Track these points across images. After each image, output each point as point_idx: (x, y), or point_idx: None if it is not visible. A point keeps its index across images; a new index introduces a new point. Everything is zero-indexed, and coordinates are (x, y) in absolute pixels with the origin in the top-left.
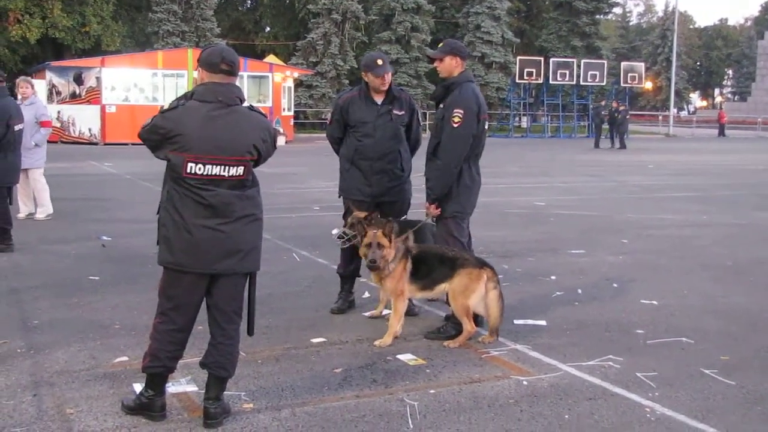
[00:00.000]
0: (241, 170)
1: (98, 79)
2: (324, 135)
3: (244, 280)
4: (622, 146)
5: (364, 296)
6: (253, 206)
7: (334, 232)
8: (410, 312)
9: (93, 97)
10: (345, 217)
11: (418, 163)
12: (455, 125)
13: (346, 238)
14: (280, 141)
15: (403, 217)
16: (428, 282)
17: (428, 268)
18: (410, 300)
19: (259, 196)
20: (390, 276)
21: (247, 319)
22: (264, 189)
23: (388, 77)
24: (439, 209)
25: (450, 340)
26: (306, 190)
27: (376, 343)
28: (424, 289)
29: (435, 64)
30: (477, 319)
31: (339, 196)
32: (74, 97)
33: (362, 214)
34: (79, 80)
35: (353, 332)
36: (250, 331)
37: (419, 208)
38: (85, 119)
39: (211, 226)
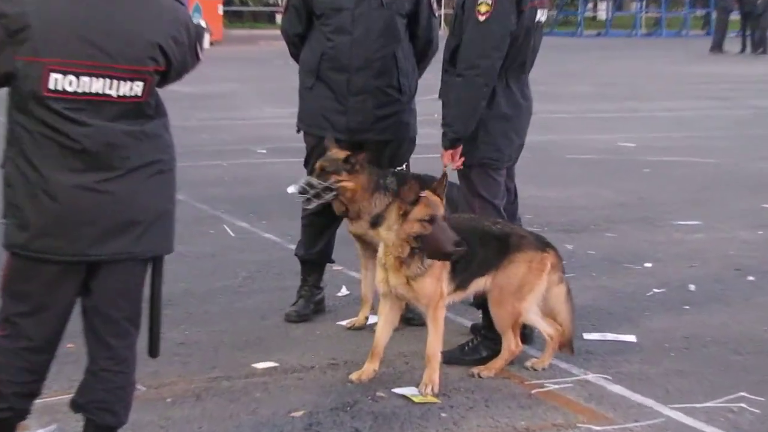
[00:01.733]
0: (138, 88)
1: None
2: (274, 32)
3: (143, 270)
4: (762, 49)
5: (339, 294)
6: (157, 150)
7: (291, 189)
8: (415, 320)
9: None
10: (307, 164)
11: (431, 79)
12: (482, 17)
13: (311, 192)
14: (205, 42)
15: (401, 168)
16: (465, 277)
17: (469, 256)
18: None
19: (168, 134)
20: (427, 273)
21: (148, 331)
22: (176, 121)
23: None
24: (463, 157)
25: (481, 365)
26: (244, 123)
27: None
28: (458, 288)
29: None
30: (523, 333)
31: (298, 131)
32: None
33: (341, 153)
34: None
35: (322, 353)
36: (154, 351)
37: (428, 152)
38: None
39: (87, 184)
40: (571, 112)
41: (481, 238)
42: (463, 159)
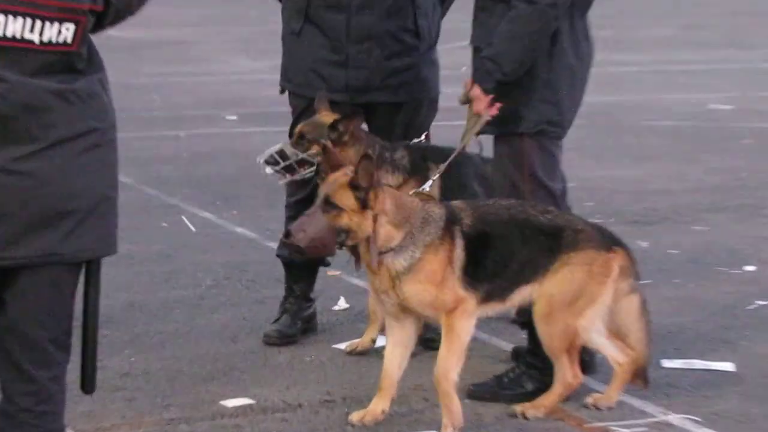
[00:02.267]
0: (67, 32)
1: None
2: None
3: (74, 277)
4: None
5: (336, 307)
6: (91, 115)
7: (261, 159)
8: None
9: None
10: (292, 133)
11: (456, 20)
12: None
13: (282, 165)
14: None
15: (419, 140)
16: (500, 284)
17: (499, 255)
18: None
19: (107, 94)
20: (414, 276)
21: (81, 358)
22: (116, 78)
23: None
24: (495, 105)
25: (526, 402)
26: (209, 80)
27: None
28: (490, 298)
29: None
30: (583, 359)
31: (281, 91)
32: None
33: (329, 117)
34: None
35: (313, 386)
36: (88, 385)
37: (455, 117)
38: None
39: None
40: (646, 64)
41: (523, 233)
42: (495, 108)
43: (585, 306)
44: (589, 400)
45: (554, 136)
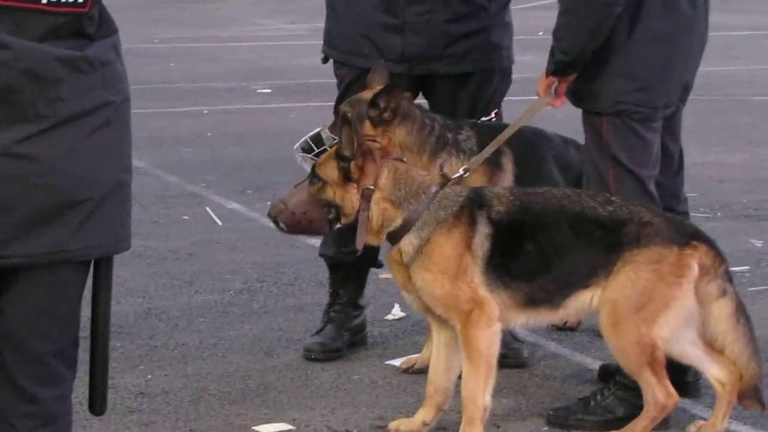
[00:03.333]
0: None
1: None
2: None
3: (82, 278)
4: None
5: (390, 317)
6: (104, 87)
7: (296, 146)
8: (510, 358)
9: None
10: (338, 110)
11: None
12: None
13: (317, 152)
14: None
15: (488, 118)
16: (545, 286)
17: (539, 250)
18: (509, 332)
19: (120, 62)
20: (423, 261)
21: (89, 375)
22: (129, 43)
23: None
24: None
25: (615, 431)
26: (237, 46)
27: None
28: (533, 303)
29: None
30: (682, 377)
31: (325, 60)
32: None
33: (368, 93)
34: None
35: (363, 409)
36: (97, 405)
37: (531, 91)
38: None
39: None
40: (761, 28)
41: (575, 226)
42: (563, 94)
43: (657, 312)
44: (692, 428)
45: (641, 117)
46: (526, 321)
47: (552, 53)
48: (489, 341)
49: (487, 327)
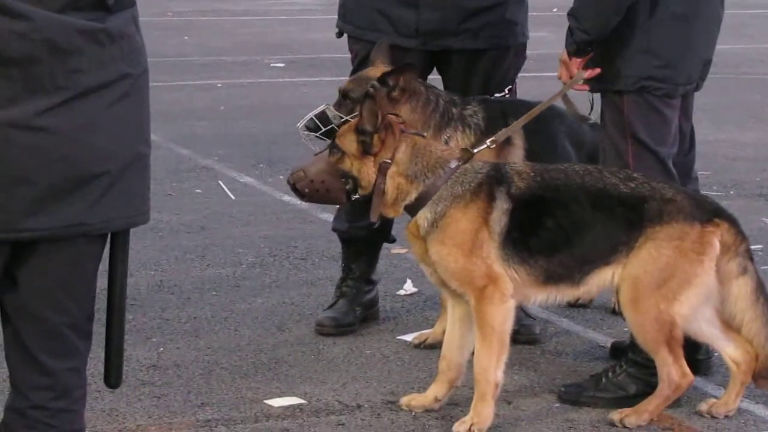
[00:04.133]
0: None
1: None
2: None
3: (98, 251)
4: None
5: (402, 291)
6: (123, 59)
7: (300, 125)
8: (522, 334)
9: None
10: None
11: None
12: None
13: (323, 131)
14: None
15: (502, 94)
16: (565, 262)
17: (558, 226)
18: (521, 308)
19: (139, 34)
20: (438, 235)
21: (105, 347)
22: (141, 15)
23: None
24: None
25: (626, 408)
26: (250, 20)
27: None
28: (553, 280)
29: None
30: (694, 355)
31: (339, 34)
32: None
33: (377, 70)
34: None
35: (375, 384)
36: (112, 378)
37: (545, 68)
38: None
39: (17, 120)
40: None
41: (596, 203)
42: (589, 72)
43: (679, 289)
44: (704, 406)
45: (662, 94)
46: (546, 298)
47: (571, 32)
48: (502, 317)
49: (501, 303)
